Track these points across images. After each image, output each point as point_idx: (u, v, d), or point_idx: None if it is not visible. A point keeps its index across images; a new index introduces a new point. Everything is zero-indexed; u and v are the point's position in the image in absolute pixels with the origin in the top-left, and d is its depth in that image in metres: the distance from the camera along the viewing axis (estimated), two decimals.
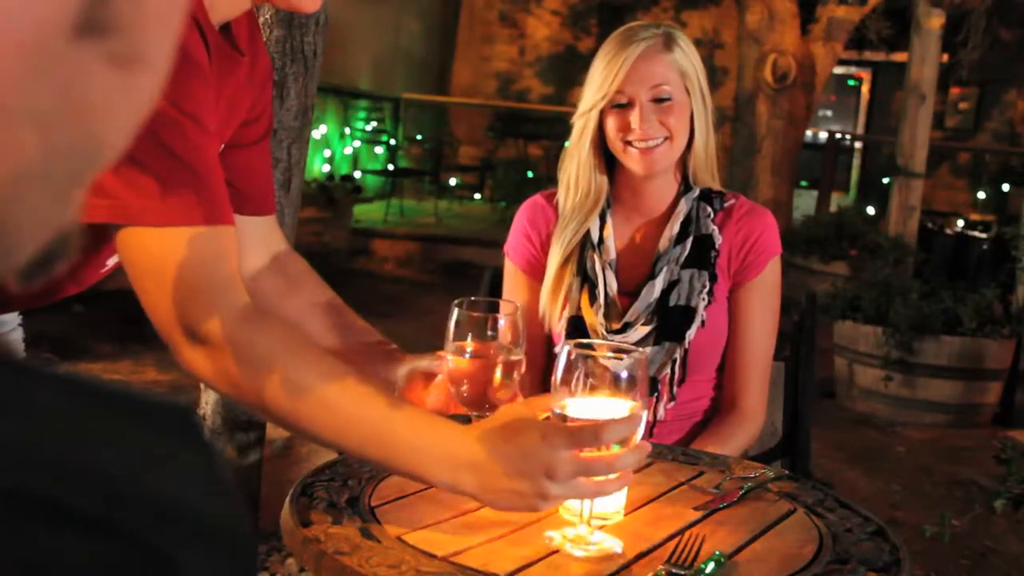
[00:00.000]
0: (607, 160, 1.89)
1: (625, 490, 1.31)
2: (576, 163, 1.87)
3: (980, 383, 4.70)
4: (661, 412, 1.84)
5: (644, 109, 1.79)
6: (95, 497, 0.26)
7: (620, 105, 1.81)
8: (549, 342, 1.92)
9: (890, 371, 4.67)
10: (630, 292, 1.87)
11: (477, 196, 11.31)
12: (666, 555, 1.18)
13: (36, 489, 0.25)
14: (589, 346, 1.23)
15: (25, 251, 0.32)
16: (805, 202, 9.56)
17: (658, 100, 1.80)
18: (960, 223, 8.61)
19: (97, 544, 0.25)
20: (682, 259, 1.85)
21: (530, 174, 10.76)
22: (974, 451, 4.36)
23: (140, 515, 0.26)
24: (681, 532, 1.26)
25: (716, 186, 1.91)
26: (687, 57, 1.83)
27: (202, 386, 2.59)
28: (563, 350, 1.19)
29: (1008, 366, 4.75)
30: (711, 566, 1.14)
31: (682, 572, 1.14)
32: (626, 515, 1.31)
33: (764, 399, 1.90)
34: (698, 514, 1.33)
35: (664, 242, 1.87)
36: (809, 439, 2.07)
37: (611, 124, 1.82)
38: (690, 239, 1.86)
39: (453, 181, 11.09)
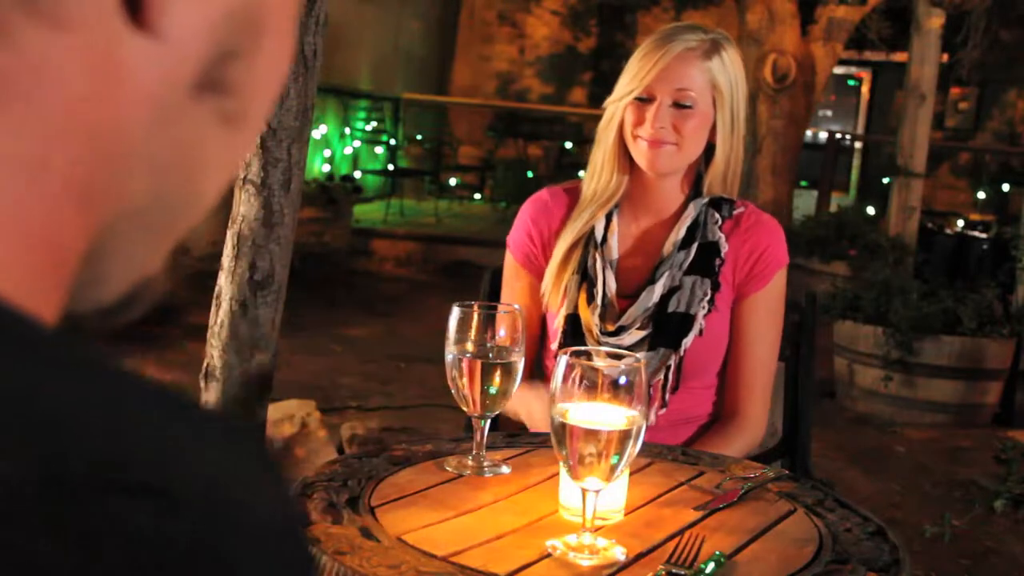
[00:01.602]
0: (629, 153, 1.88)
1: (625, 490, 1.32)
2: (602, 150, 1.87)
3: (980, 383, 4.70)
4: (652, 418, 1.82)
5: (662, 109, 1.78)
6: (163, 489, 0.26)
7: (642, 99, 1.81)
8: (542, 338, 1.92)
9: (890, 371, 4.67)
10: (629, 295, 1.86)
11: (477, 196, 11.30)
12: (666, 555, 1.18)
13: (127, 473, 0.26)
14: (587, 354, 1.23)
15: (112, 290, 0.33)
16: (805, 202, 9.55)
17: (679, 105, 1.79)
18: (960, 223, 8.60)
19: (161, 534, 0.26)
20: (685, 265, 1.84)
21: (530, 174, 10.76)
22: (974, 451, 4.35)
23: (202, 516, 0.27)
24: (681, 532, 1.26)
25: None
26: (725, 70, 1.80)
27: (202, 386, 2.59)
28: (561, 359, 1.19)
29: (1008, 366, 4.75)
30: (711, 566, 1.14)
31: (682, 572, 1.14)
32: (626, 515, 1.31)
33: (766, 408, 1.89)
34: (698, 514, 1.33)
35: (668, 247, 1.85)
36: (809, 439, 2.07)
37: (629, 115, 1.82)
38: (695, 245, 1.85)
39: (453, 181, 11.08)
